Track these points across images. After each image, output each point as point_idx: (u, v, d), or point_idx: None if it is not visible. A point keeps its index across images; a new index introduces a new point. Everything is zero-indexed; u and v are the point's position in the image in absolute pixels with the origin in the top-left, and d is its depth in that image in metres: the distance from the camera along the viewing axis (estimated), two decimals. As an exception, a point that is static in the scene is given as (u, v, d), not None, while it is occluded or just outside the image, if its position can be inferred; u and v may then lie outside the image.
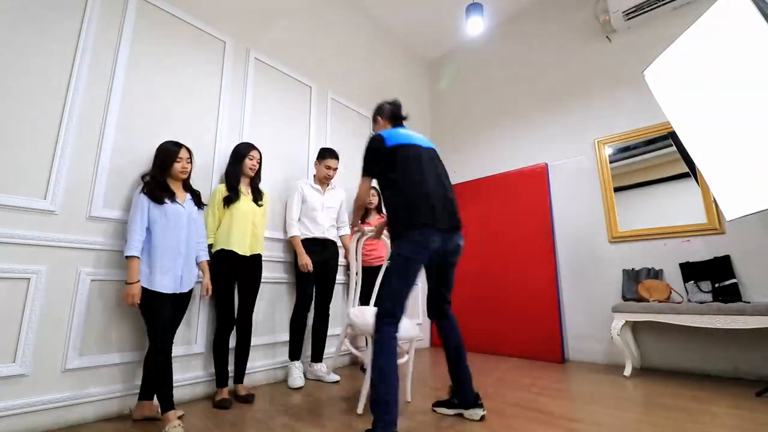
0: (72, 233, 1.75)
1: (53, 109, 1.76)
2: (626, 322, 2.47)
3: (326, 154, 2.67)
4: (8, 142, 1.63)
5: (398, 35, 4.31)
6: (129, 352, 1.86)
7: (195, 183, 2.23)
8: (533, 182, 3.51)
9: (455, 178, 4.21)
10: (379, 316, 1.52)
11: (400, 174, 1.64)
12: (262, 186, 2.33)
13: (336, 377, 2.47)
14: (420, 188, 1.61)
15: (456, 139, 4.34)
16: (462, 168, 4.19)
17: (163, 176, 1.84)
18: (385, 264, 2.33)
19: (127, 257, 1.65)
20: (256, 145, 2.32)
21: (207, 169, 2.32)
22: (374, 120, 2.00)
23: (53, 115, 1.76)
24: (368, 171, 1.75)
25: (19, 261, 1.60)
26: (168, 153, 1.85)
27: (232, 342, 2.19)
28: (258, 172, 2.30)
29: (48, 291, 1.66)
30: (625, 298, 2.74)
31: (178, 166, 1.85)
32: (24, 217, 1.63)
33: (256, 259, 2.20)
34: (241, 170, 2.21)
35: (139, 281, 1.64)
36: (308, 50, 3.18)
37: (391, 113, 1.94)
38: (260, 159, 2.29)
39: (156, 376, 1.65)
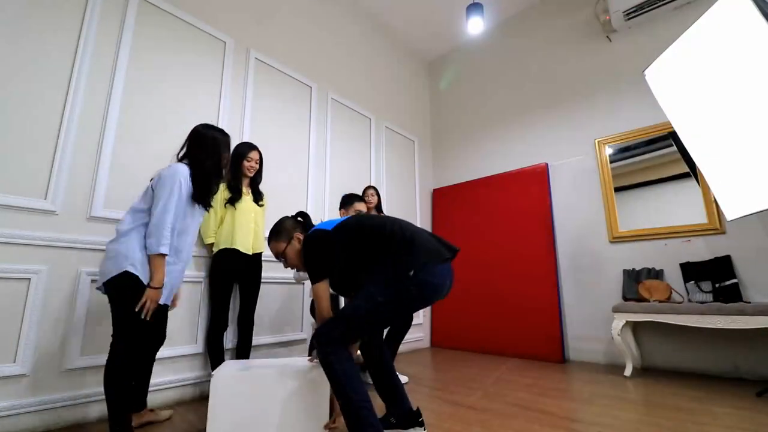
0: (72, 233, 1.75)
1: (54, 109, 1.76)
2: (627, 322, 2.47)
3: (353, 200, 2.44)
4: (8, 142, 1.63)
5: (399, 35, 4.30)
6: (129, 352, 1.85)
7: (195, 183, 2.24)
8: (533, 182, 3.51)
9: (455, 178, 4.22)
10: None
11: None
12: (262, 185, 2.32)
13: (406, 378, 2.35)
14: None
15: (456, 139, 4.34)
16: (462, 168, 4.19)
17: (214, 169, 1.55)
18: None
19: (157, 255, 1.37)
20: (256, 145, 2.31)
21: (207, 169, 2.31)
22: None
23: (53, 116, 1.76)
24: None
25: (19, 261, 1.60)
26: (221, 145, 1.58)
27: (232, 341, 2.19)
28: (259, 173, 2.27)
29: (48, 291, 1.66)
30: (625, 298, 2.74)
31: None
32: (24, 217, 1.63)
33: (257, 258, 2.20)
34: (240, 171, 2.18)
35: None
36: (309, 50, 3.18)
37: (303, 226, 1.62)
38: (260, 159, 2.26)
39: (141, 381, 1.64)
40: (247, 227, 2.13)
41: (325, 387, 1.44)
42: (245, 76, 2.64)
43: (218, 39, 2.50)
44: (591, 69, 3.35)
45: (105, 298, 1.79)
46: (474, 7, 3.31)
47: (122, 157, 1.96)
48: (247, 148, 2.21)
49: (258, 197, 2.25)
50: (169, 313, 2.02)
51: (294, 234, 1.53)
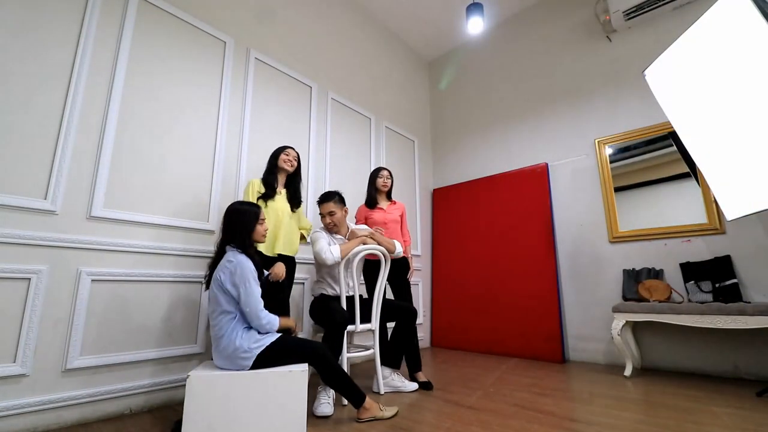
0: (72, 233, 1.75)
1: (53, 109, 1.76)
2: (627, 322, 2.47)
3: (323, 200, 2.25)
4: (8, 142, 1.63)
5: (399, 35, 4.31)
6: (129, 352, 1.86)
7: (195, 183, 2.24)
8: (533, 182, 3.51)
9: (455, 178, 4.22)
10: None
11: None
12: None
13: (415, 385, 2.22)
14: None
15: (456, 139, 4.34)
16: (462, 168, 4.19)
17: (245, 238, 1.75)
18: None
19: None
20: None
21: (207, 169, 2.31)
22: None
23: (53, 115, 1.76)
24: None
25: (19, 261, 1.60)
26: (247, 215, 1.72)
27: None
28: (297, 173, 2.23)
29: (48, 291, 1.66)
30: (625, 298, 2.74)
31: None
32: (24, 217, 1.63)
33: (282, 260, 2.05)
34: (276, 166, 2.15)
35: None
36: (308, 50, 3.18)
37: None
38: (298, 160, 2.23)
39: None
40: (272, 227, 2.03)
41: (302, 389, 1.47)
42: (245, 76, 2.64)
43: (218, 39, 2.50)
44: (591, 69, 3.35)
45: (104, 298, 1.82)
46: (474, 7, 3.31)
47: (122, 157, 1.96)
48: (285, 146, 2.23)
49: (293, 201, 2.17)
50: (170, 313, 2.03)
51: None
